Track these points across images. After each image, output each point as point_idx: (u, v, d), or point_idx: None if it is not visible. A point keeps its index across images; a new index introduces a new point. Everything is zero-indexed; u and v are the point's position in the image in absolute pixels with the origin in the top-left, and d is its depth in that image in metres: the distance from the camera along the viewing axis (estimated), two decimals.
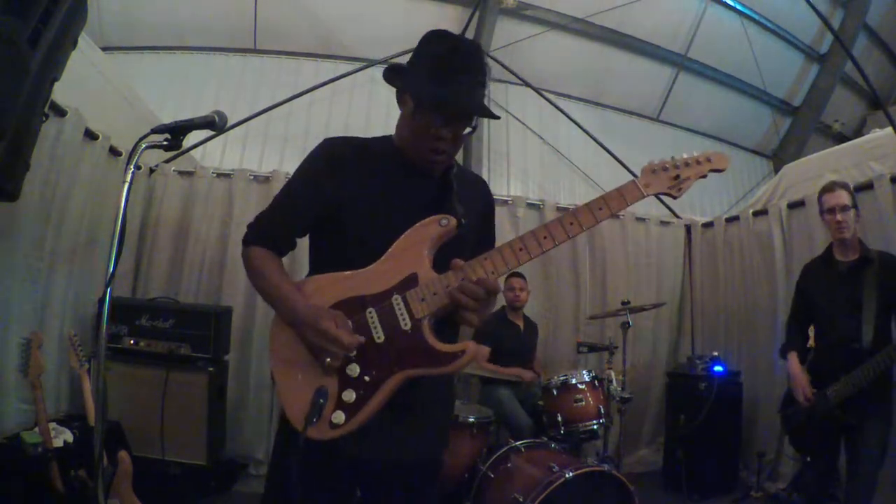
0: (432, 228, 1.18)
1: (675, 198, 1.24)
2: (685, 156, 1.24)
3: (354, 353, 1.13)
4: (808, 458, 2.59)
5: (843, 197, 2.40)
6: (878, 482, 2.28)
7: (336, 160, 1.27)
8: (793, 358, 2.53)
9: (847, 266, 2.42)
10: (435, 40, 1.22)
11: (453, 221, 1.18)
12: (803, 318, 2.63)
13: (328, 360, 1.11)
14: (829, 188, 2.48)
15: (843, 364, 2.29)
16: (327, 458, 1.17)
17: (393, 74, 1.25)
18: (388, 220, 1.20)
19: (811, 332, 2.64)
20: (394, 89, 1.27)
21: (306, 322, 1.13)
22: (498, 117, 1.25)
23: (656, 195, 1.24)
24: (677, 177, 1.22)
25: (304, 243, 1.36)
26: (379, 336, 1.14)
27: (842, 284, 2.42)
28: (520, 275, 3.74)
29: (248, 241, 1.28)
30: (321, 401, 1.10)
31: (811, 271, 2.64)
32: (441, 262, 1.16)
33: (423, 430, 1.27)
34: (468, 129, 1.22)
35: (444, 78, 1.15)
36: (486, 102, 1.25)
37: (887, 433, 2.29)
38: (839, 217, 2.38)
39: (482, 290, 1.10)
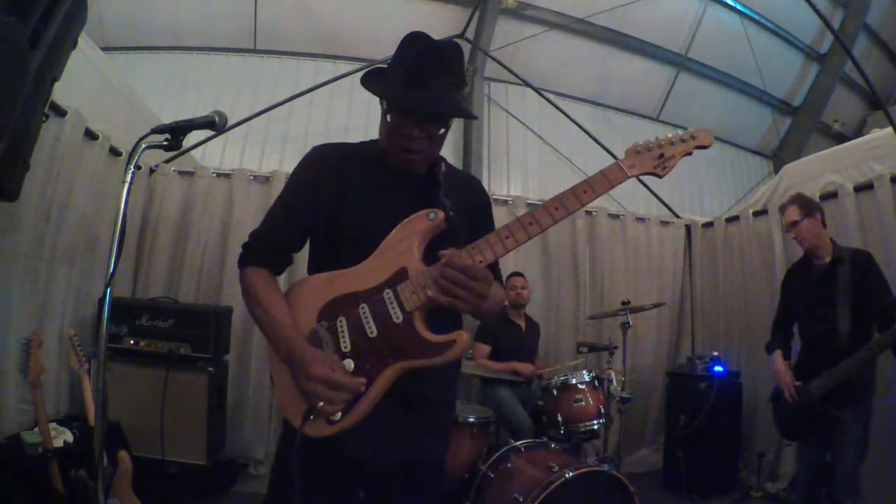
0: (421, 223, 1.20)
1: (660, 177, 1.22)
2: (669, 135, 1.23)
3: (349, 348, 1.13)
4: (795, 443, 2.77)
5: (791, 214, 2.62)
6: (861, 475, 2.37)
7: (326, 166, 1.29)
8: (777, 356, 2.71)
9: (822, 268, 2.59)
10: (410, 43, 1.24)
11: (441, 215, 1.20)
12: (786, 317, 2.83)
13: (321, 404, 1.07)
14: (783, 207, 2.73)
15: (822, 360, 2.45)
16: (330, 458, 1.17)
17: (369, 79, 1.27)
18: (379, 218, 1.22)
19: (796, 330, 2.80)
20: None
21: (300, 366, 1.10)
22: (474, 116, 1.27)
23: (638, 177, 1.22)
24: (661, 156, 1.21)
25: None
26: (372, 331, 1.14)
27: (817, 285, 2.58)
28: (520, 274, 3.74)
29: (244, 262, 1.27)
30: None
31: (792, 274, 2.84)
32: (434, 258, 1.16)
33: (425, 430, 1.27)
34: (442, 130, 1.23)
35: (414, 80, 1.18)
36: (466, 102, 1.25)
37: (867, 425, 2.40)
38: (793, 234, 2.64)
39: (462, 276, 1.08)
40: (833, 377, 2.38)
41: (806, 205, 2.62)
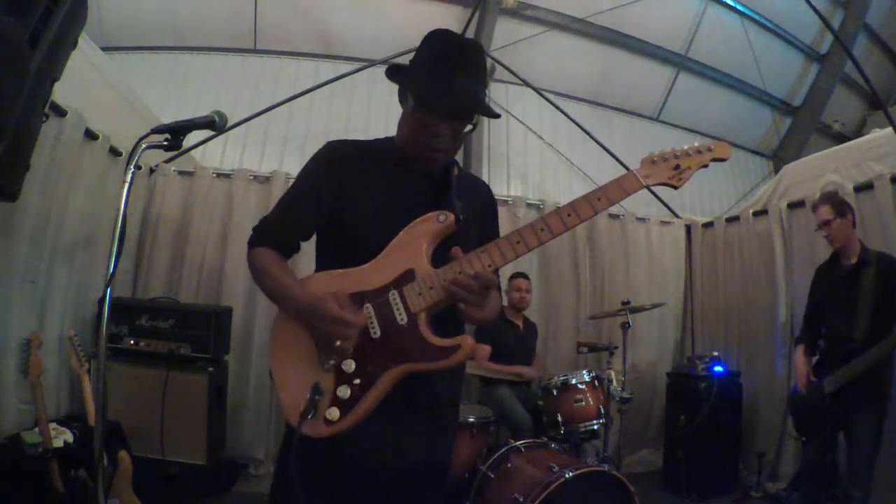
0: (430, 224, 1.19)
1: (675, 188, 1.22)
2: (686, 146, 1.22)
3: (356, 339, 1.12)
4: (804, 439, 2.78)
5: (824, 213, 2.65)
6: (874, 474, 2.40)
7: (338, 162, 1.28)
8: (799, 349, 2.78)
9: (848, 268, 2.62)
10: (436, 39, 1.23)
11: (451, 217, 1.18)
12: (814, 314, 2.84)
13: (339, 342, 1.09)
14: (815, 205, 2.75)
15: (838, 359, 2.50)
16: (333, 460, 1.17)
17: (395, 72, 1.26)
18: (388, 217, 1.20)
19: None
20: (394, 90, 1.28)
21: (312, 309, 1.12)
22: (498, 115, 1.24)
23: (649, 187, 1.23)
24: (677, 167, 1.20)
25: (306, 247, 1.36)
26: (375, 331, 1.13)
27: (842, 285, 2.63)
28: (525, 276, 3.73)
29: (252, 243, 1.29)
30: (317, 397, 1.09)
31: (820, 272, 2.86)
32: (442, 259, 1.15)
33: (431, 432, 1.26)
34: (469, 127, 1.22)
35: (443, 76, 1.16)
36: (485, 101, 1.25)
37: (880, 424, 2.44)
38: (824, 233, 2.67)
39: (477, 284, 1.09)
40: (844, 375, 2.43)
41: (838, 205, 2.64)
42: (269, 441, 3.60)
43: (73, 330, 2.61)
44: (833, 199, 2.69)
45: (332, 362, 1.12)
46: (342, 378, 1.12)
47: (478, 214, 1.33)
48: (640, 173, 1.20)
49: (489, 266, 1.12)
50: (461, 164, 6.83)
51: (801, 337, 2.87)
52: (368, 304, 1.15)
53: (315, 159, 1.30)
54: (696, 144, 1.23)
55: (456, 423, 1.44)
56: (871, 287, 2.48)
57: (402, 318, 1.13)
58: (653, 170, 1.20)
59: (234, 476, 3.38)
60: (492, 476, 2.52)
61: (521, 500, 2.21)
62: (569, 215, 1.15)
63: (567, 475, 2.20)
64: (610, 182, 1.18)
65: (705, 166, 1.22)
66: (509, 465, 2.51)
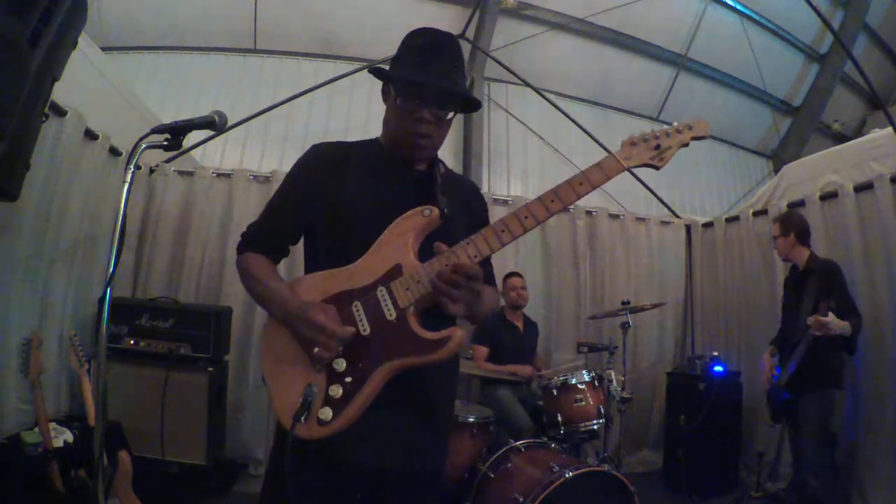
0: (415, 219, 1.19)
1: (657, 168, 1.21)
2: (665, 126, 1.22)
3: (341, 347, 1.12)
4: (776, 425, 3.12)
5: (773, 231, 3.10)
6: (828, 459, 2.74)
7: (324, 164, 1.29)
8: (767, 350, 3.14)
9: (798, 275, 2.99)
10: (414, 35, 1.28)
11: (436, 211, 1.19)
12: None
13: (317, 349, 1.10)
14: (773, 221, 3.23)
15: (787, 354, 2.87)
16: (326, 465, 1.16)
17: (377, 70, 1.29)
18: (376, 216, 1.21)
19: None
20: None
21: (298, 315, 1.13)
22: (477, 100, 1.28)
23: (629, 170, 1.20)
24: (658, 147, 1.19)
25: (298, 249, 1.36)
26: (365, 329, 1.13)
27: (792, 290, 3.02)
28: (518, 274, 3.73)
29: (241, 249, 1.31)
30: (310, 399, 1.09)
31: (786, 279, 3.22)
32: (429, 256, 1.16)
33: (426, 437, 1.25)
34: (450, 114, 1.24)
35: (423, 65, 1.21)
36: (469, 93, 1.29)
37: (823, 412, 2.72)
38: (774, 247, 3.13)
39: (460, 277, 1.08)
40: (786, 369, 2.80)
41: (784, 225, 3.02)
42: (268, 441, 3.60)
43: (73, 330, 2.61)
44: (781, 219, 3.08)
45: (316, 351, 1.12)
46: (334, 377, 1.11)
47: (464, 211, 1.34)
48: (621, 155, 1.19)
49: (475, 256, 1.12)
50: (462, 164, 6.80)
51: (773, 339, 3.17)
52: (357, 302, 1.15)
53: (300, 163, 1.32)
54: (675, 124, 1.22)
55: (448, 428, 1.40)
56: (813, 291, 2.79)
57: (390, 313, 1.13)
58: (633, 151, 1.20)
59: (233, 476, 3.38)
60: (492, 476, 2.52)
61: (521, 500, 2.21)
62: (552, 201, 1.15)
63: (567, 475, 2.20)
64: (591, 166, 1.18)
65: (686, 145, 1.22)
66: (509, 465, 2.51)
